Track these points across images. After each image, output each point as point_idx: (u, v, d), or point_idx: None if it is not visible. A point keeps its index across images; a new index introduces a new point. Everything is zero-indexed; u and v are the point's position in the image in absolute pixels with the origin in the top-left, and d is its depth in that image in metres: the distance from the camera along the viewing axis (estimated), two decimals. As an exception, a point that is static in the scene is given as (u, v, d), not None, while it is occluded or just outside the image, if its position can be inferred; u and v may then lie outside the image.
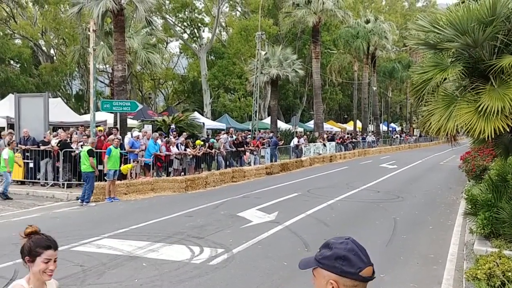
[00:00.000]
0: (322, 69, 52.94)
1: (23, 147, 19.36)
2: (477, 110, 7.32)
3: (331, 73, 60.89)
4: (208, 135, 31.27)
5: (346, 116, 79.89)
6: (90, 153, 16.40)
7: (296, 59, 43.98)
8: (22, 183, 19.54)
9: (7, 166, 16.69)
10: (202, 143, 24.36)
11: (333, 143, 42.43)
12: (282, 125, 48.98)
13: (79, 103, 54.99)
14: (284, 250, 10.47)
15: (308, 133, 47.61)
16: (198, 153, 23.30)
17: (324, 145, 39.99)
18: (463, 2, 8.66)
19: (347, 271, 1.97)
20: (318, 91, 46.17)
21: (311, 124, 53.62)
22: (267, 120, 48.31)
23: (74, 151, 18.59)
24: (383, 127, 71.81)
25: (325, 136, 43.91)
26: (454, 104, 7.82)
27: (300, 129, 48.57)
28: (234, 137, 28.30)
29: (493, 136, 7.35)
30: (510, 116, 7.19)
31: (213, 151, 24.58)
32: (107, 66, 46.03)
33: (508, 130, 7.36)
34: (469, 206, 10.68)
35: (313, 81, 47.50)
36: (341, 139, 45.79)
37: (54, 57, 55.10)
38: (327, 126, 57.03)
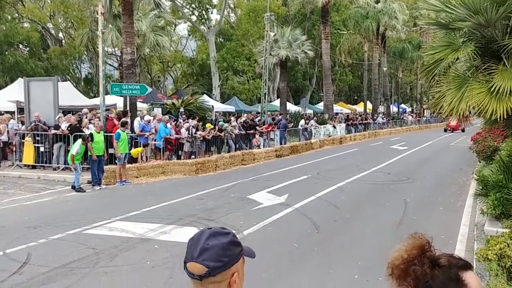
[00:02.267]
0: (332, 50, 52.50)
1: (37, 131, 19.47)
2: (489, 91, 7.24)
3: (341, 54, 60.44)
4: (216, 118, 31.20)
5: (356, 98, 79.47)
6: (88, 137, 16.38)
7: (306, 40, 43.59)
8: (33, 167, 19.66)
9: (72, 160, 15.68)
10: (212, 126, 24.35)
11: (343, 125, 42.26)
12: (291, 107, 48.81)
13: (88, 86, 55.08)
14: (294, 232, 10.51)
15: (318, 114, 47.39)
16: (208, 135, 23.30)
17: (334, 127, 39.85)
18: (475, -19, 8.52)
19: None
20: (327, 73, 45.87)
21: (320, 105, 53.41)
22: (276, 103, 48.15)
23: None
24: (394, 108, 71.42)
25: (338, 119, 43.56)
26: (466, 85, 7.74)
27: (309, 111, 48.37)
28: (243, 119, 28.32)
29: (505, 117, 7.28)
30: (523, 97, 7.13)
31: (222, 134, 24.57)
32: (116, 49, 46.00)
33: (521, 110, 7.30)
34: (480, 187, 10.64)
35: (322, 62, 47.16)
36: (350, 120, 45.58)
37: (63, 41, 55.06)
38: (337, 107, 56.78)
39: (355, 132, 44.09)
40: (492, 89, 7.19)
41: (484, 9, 7.48)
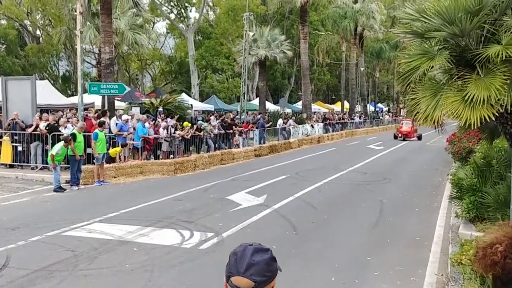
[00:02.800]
0: (310, 49, 52.82)
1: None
2: (463, 99, 7.44)
3: (319, 54, 60.79)
4: (195, 117, 31.16)
5: (334, 97, 79.92)
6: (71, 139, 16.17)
7: (284, 40, 43.83)
8: (11, 166, 19.47)
9: (52, 160, 15.48)
10: (190, 124, 24.32)
11: (321, 124, 42.57)
12: (270, 106, 48.99)
13: (66, 84, 54.52)
14: (273, 233, 10.63)
15: (296, 114, 47.62)
16: (187, 135, 23.29)
17: (312, 126, 40.13)
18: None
19: (225, 273, 1.98)
20: (306, 72, 46.16)
21: (299, 105, 53.66)
22: (256, 101, 48.26)
23: (63, 135, 18.50)
24: (370, 108, 72.07)
25: (315, 118, 43.80)
26: (441, 93, 7.94)
27: (288, 110, 48.57)
28: (219, 119, 28.42)
29: (479, 125, 7.50)
30: (496, 105, 7.33)
31: (201, 133, 24.57)
32: (94, 46, 45.64)
33: (493, 118, 7.50)
34: (455, 190, 10.87)
35: (301, 62, 47.44)
36: (328, 120, 45.92)
37: (40, 38, 54.46)
38: (315, 107, 57.09)
39: (332, 131, 44.41)
40: (466, 97, 7.38)
41: (459, 19, 7.67)
